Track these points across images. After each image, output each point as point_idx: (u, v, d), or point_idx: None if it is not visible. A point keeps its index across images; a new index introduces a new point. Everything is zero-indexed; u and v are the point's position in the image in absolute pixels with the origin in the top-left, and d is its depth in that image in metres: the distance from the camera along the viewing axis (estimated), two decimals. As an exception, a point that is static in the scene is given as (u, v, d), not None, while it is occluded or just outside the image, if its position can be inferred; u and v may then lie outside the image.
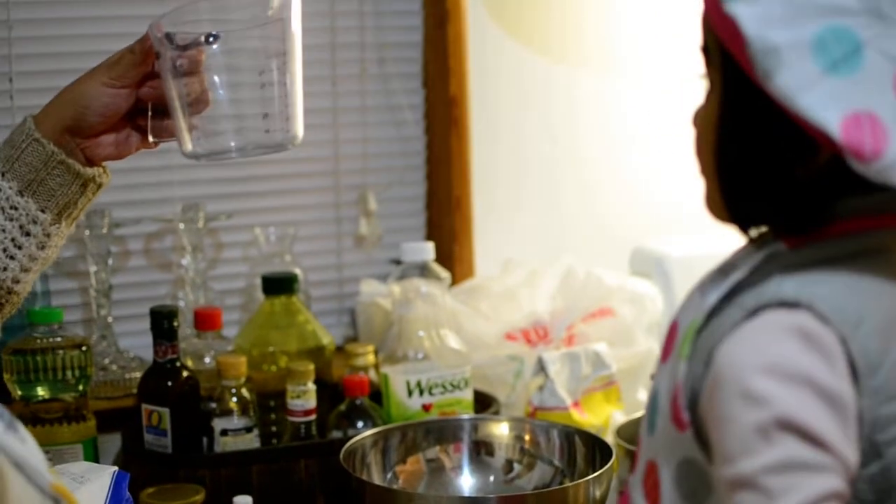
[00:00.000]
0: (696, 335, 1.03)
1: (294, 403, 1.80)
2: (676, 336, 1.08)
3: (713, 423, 0.98)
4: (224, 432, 1.79)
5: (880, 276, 1.03)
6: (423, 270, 1.98)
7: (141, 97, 1.39)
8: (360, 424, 1.85)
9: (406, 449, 1.77)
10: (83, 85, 1.37)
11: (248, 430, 1.80)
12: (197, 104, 1.34)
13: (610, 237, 2.43)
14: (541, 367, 1.95)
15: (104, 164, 1.42)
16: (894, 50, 0.97)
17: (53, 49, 2.08)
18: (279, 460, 1.77)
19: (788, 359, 0.96)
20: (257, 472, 1.75)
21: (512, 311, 2.14)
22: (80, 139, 1.38)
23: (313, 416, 1.81)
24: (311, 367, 1.80)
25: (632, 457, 1.81)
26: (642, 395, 2.13)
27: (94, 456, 1.79)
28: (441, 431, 1.79)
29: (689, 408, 1.02)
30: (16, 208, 1.35)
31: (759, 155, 1.03)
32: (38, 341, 1.76)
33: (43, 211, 1.36)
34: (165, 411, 1.75)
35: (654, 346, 2.15)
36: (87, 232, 1.99)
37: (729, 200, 1.07)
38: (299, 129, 1.37)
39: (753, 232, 1.10)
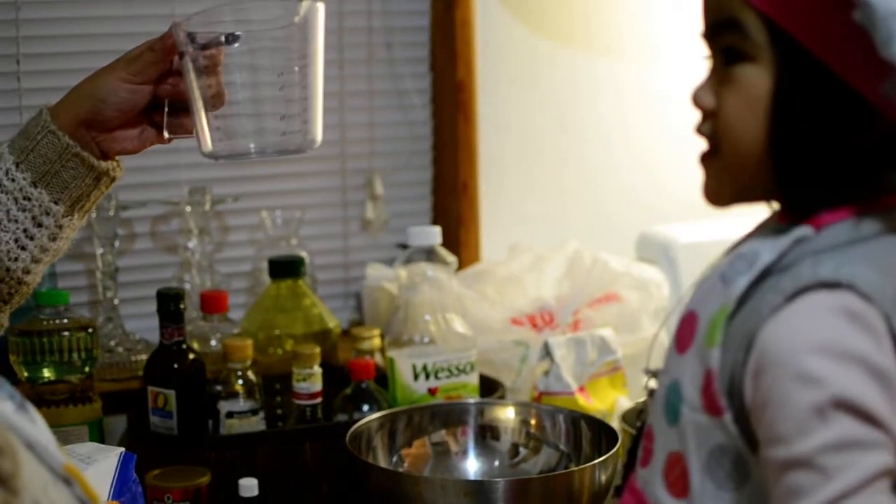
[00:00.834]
0: (728, 322, 1.02)
1: (300, 386, 1.80)
2: (696, 326, 1.07)
3: (760, 406, 0.98)
4: (230, 415, 1.79)
5: None
6: (429, 255, 1.99)
7: (159, 94, 1.39)
8: (365, 408, 1.85)
9: (412, 432, 1.77)
10: (101, 79, 1.37)
11: (254, 412, 1.80)
12: (213, 103, 1.35)
13: (616, 223, 2.43)
14: (546, 352, 1.95)
15: (118, 158, 1.42)
16: None
17: (62, 49, 2.09)
18: (285, 443, 1.77)
19: (839, 338, 0.95)
20: (263, 454, 1.75)
21: (518, 296, 2.14)
22: (95, 133, 1.38)
23: (319, 400, 1.81)
24: (318, 350, 1.80)
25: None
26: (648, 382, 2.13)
27: (99, 438, 1.79)
28: (447, 415, 1.79)
29: (726, 393, 1.01)
30: (29, 199, 1.35)
31: (820, 126, 1.02)
32: (45, 323, 1.76)
33: (56, 203, 1.36)
34: (171, 393, 1.75)
35: (660, 333, 2.15)
36: (93, 214, 1.98)
37: (783, 173, 1.05)
38: (318, 132, 1.38)
39: (770, 209, 1.09)
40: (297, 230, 2.17)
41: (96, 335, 1.80)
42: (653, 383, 1.18)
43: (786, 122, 1.03)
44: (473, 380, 1.90)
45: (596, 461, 1.59)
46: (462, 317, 1.97)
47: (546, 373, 1.94)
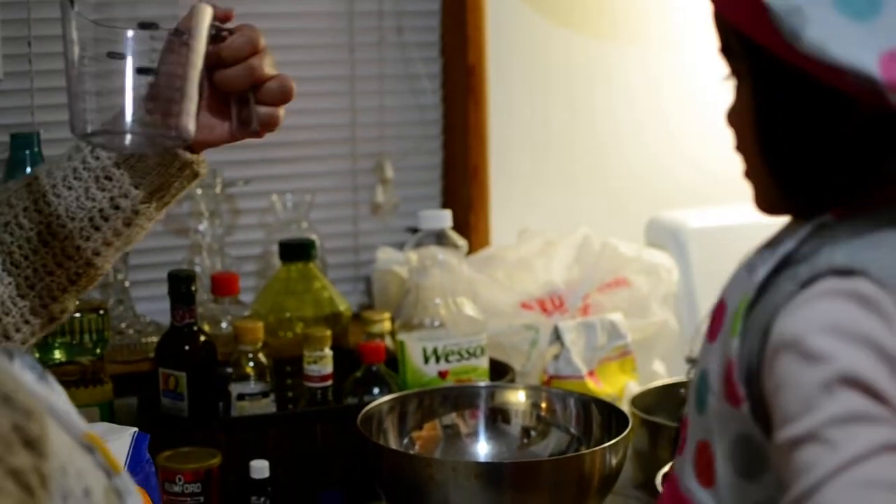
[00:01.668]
0: (748, 311, 1.03)
1: (311, 369, 1.80)
2: (724, 315, 1.08)
3: (774, 391, 0.98)
4: (241, 397, 1.79)
5: None
6: (439, 238, 1.99)
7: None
8: (375, 391, 1.85)
9: (422, 415, 1.77)
10: None
11: (265, 394, 1.80)
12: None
13: (626, 208, 2.43)
14: (557, 336, 1.96)
15: (203, 154, 1.38)
16: None
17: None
18: (295, 425, 1.77)
19: (847, 319, 0.96)
20: (273, 436, 1.75)
21: (528, 280, 2.14)
22: None
23: (330, 382, 1.81)
24: (329, 332, 1.80)
25: (648, 426, 1.82)
26: (657, 366, 2.13)
27: (110, 419, 1.79)
28: (458, 398, 1.80)
29: (745, 382, 1.02)
30: (110, 178, 1.32)
31: (803, 127, 1.04)
32: (56, 304, 1.76)
33: (136, 187, 1.33)
34: (183, 375, 1.76)
35: (669, 318, 2.15)
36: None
37: (782, 183, 1.07)
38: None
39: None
40: (307, 213, 2.17)
41: (107, 317, 1.80)
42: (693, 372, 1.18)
43: (763, 128, 1.06)
44: (483, 363, 1.91)
45: (606, 444, 1.60)
46: (472, 300, 1.97)
47: (556, 357, 1.95)
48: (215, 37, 1.28)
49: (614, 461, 1.61)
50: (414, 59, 2.33)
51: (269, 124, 1.35)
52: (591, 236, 2.20)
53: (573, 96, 2.41)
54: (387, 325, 1.98)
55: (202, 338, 1.79)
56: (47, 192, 1.32)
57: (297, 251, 1.98)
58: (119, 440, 1.38)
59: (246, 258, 2.22)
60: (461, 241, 2.00)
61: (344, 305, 2.01)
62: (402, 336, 1.90)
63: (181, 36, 1.24)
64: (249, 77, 1.31)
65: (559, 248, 2.20)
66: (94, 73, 1.24)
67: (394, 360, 1.91)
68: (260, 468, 1.66)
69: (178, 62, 1.24)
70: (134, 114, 1.23)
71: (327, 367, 1.81)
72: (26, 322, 1.34)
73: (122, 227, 1.34)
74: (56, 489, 0.74)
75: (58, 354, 1.77)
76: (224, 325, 1.95)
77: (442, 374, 1.87)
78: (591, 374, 1.96)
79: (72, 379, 1.77)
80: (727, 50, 1.10)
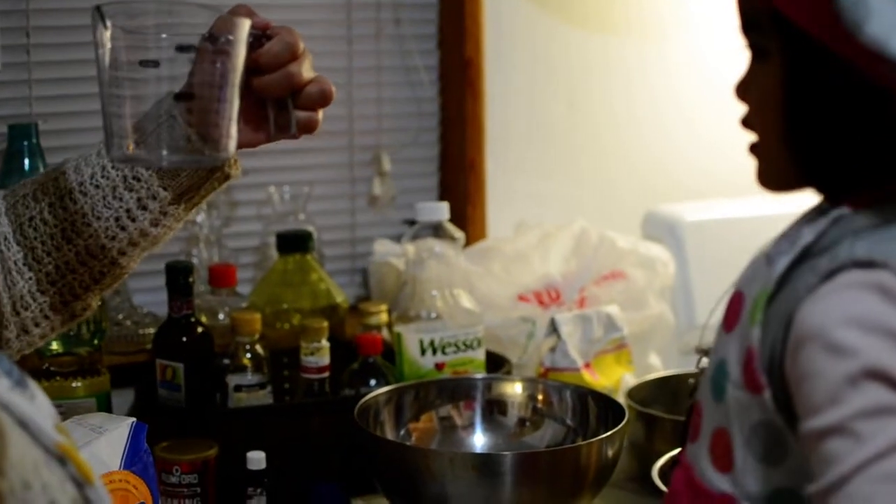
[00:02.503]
0: (769, 302, 1.04)
1: (308, 360, 1.80)
2: (742, 305, 1.09)
3: (797, 381, 1.00)
4: (238, 388, 1.79)
5: None
6: (436, 230, 1.99)
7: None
8: (372, 382, 1.85)
9: (419, 407, 1.77)
10: None
11: (262, 386, 1.80)
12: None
13: (623, 201, 2.44)
14: (553, 329, 1.96)
15: (236, 157, 1.33)
16: None
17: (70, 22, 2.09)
18: (292, 416, 1.78)
19: (871, 312, 0.98)
20: (270, 427, 1.76)
21: (524, 272, 2.14)
22: None
23: (327, 374, 1.81)
24: (325, 324, 1.81)
25: (644, 419, 1.83)
26: (653, 359, 2.14)
27: (107, 410, 1.79)
28: (454, 390, 1.80)
29: (766, 371, 1.03)
30: (138, 179, 1.29)
31: (834, 112, 1.04)
32: (54, 295, 1.77)
33: (165, 189, 1.30)
34: (180, 366, 1.76)
35: (665, 310, 2.16)
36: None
37: (802, 162, 1.08)
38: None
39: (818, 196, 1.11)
40: (304, 205, 2.17)
41: (105, 308, 1.80)
42: (704, 361, 1.19)
43: (793, 110, 1.06)
44: (480, 355, 1.91)
45: (602, 436, 1.60)
46: (469, 293, 1.98)
47: (552, 349, 1.95)
48: (253, 44, 1.23)
49: (610, 453, 1.61)
50: (411, 51, 2.33)
51: (308, 128, 1.32)
52: (587, 229, 2.21)
53: (570, 89, 2.41)
54: (384, 317, 1.98)
55: (199, 329, 1.79)
56: (74, 190, 1.29)
57: (294, 243, 1.99)
58: (117, 430, 1.38)
59: (243, 250, 2.22)
60: (458, 234, 2.00)
61: (341, 297, 2.01)
62: (398, 328, 1.90)
63: (216, 42, 1.19)
64: (288, 83, 1.27)
65: (556, 240, 2.20)
66: (128, 93, 1.20)
67: (390, 352, 1.91)
68: (257, 459, 1.66)
69: (213, 72, 1.20)
70: (172, 134, 1.20)
71: (324, 359, 1.81)
72: (46, 317, 1.33)
73: (150, 228, 1.31)
74: None
75: (55, 345, 1.77)
76: (221, 316, 1.95)
77: (438, 366, 1.88)
78: (587, 366, 1.96)
79: (69, 370, 1.78)
80: (752, 26, 1.09)
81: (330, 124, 2.31)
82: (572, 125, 2.42)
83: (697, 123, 2.46)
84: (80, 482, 0.81)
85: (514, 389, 1.81)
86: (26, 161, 1.83)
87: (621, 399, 1.84)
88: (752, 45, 1.10)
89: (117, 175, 1.29)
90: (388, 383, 1.83)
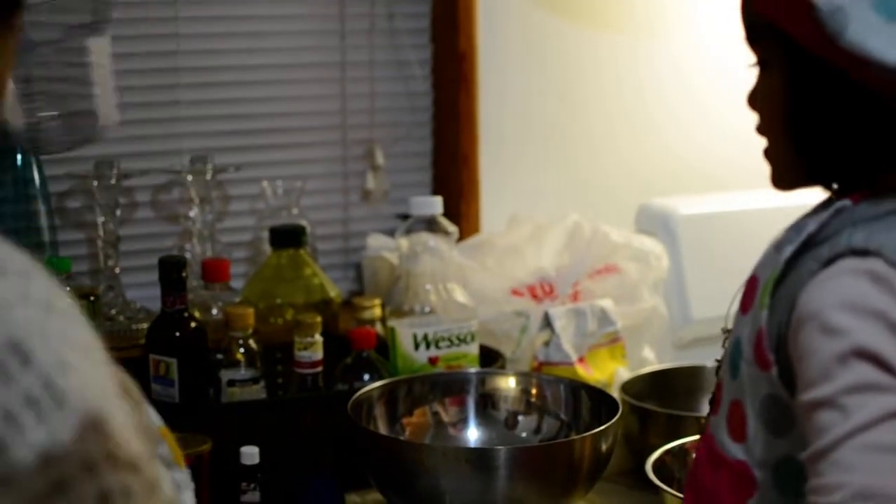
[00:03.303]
0: (776, 286, 1.14)
1: (301, 355, 1.80)
2: (756, 290, 1.19)
3: (798, 359, 1.10)
4: (231, 383, 1.79)
5: None
6: (430, 224, 1.99)
7: None
8: (366, 377, 1.85)
9: (413, 401, 1.77)
10: None
11: (255, 381, 1.80)
12: None
13: (616, 195, 2.43)
14: (547, 323, 1.96)
15: None
16: None
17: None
18: (286, 411, 1.77)
19: (862, 296, 1.08)
20: (263, 422, 1.75)
21: (518, 267, 2.14)
22: None
23: (320, 368, 1.81)
24: (319, 318, 1.80)
25: (638, 413, 1.83)
26: (647, 353, 2.13)
27: (100, 405, 1.79)
28: (448, 384, 1.80)
29: (773, 349, 1.14)
30: None
31: (830, 115, 1.16)
32: (47, 290, 1.76)
33: None
34: (173, 361, 1.75)
35: (659, 304, 2.16)
36: (95, 182, 1.98)
37: (806, 162, 1.19)
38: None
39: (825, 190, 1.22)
40: (297, 200, 2.17)
41: (98, 303, 1.80)
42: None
43: (795, 113, 1.18)
44: (474, 350, 1.91)
45: (596, 430, 1.60)
46: (463, 287, 1.98)
47: (546, 343, 1.95)
48: None
49: (604, 447, 1.61)
50: (405, 45, 2.33)
51: None
52: (581, 223, 2.20)
53: (564, 83, 2.41)
54: (377, 312, 1.98)
55: (193, 324, 1.79)
56: None
57: (287, 238, 1.98)
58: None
59: (236, 244, 2.22)
60: (452, 228, 2.00)
61: (334, 292, 2.01)
62: (392, 322, 1.90)
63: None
64: None
65: (549, 234, 2.20)
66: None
67: (384, 347, 1.91)
68: (250, 454, 1.65)
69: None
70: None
71: (317, 354, 1.81)
72: None
73: None
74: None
75: (48, 341, 1.76)
76: (215, 311, 1.95)
77: (432, 361, 1.88)
78: (581, 360, 1.96)
79: (62, 365, 1.77)
80: (755, 39, 1.21)
81: (323, 119, 2.33)
82: (566, 119, 2.42)
83: (691, 118, 2.45)
84: (170, 464, 0.82)
85: (508, 384, 1.81)
86: (19, 157, 1.83)
87: (615, 393, 1.84)
88: (757, 57, 1.21)
89: None
90: (381, 378, 1.83)
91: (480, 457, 1.58)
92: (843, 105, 1.14)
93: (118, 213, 2.02)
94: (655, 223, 2.31)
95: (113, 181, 2.00)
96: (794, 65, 1.16)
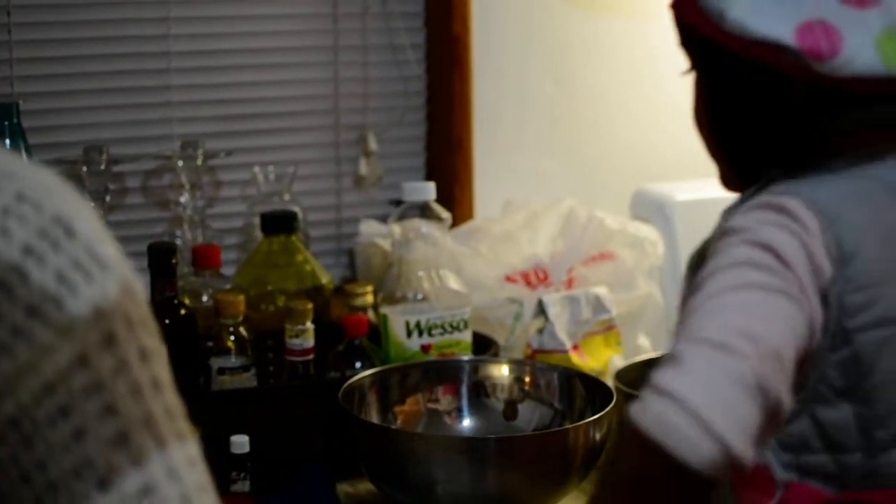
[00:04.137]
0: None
1: (292, 342, 1.79)
2: None
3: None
4: (221, 371, 1.78)
5: (859, 185, 1.18)
6: (423, 210, 1.97)
7: None
8: (358, 365, 1.84)
9: (405, 389, 1.76)
10: None
11: (246, 368, 1.79)
12: None
13: (611, 181, 2.42)
14: (541, 310, 1.95)
15: None
16: None
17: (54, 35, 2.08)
18: (276, 400, 1.76)
19: (769, 219, 1.12)
20: (254, 411, 1.74)
21: (512, 253, 2.13)
22: None
23: (311, 356, 1.80)
24: (310, 306, 1.79)
25: (630, 399, 1.81)
26: (642, 340, 2.12)
27: (90, 393, 1.78)
28: (441, 372, 1.79)
29: None
30: None
31: (745, 107, 1.20)
32: (35, 277, 1.75)
33: None
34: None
35: (654, 291, 2.14)
36: (84, 168, 1.97)
37: (734, 161, 1.25)
38: None
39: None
40: (289, 186, 2.15)
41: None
42: None
43: (716, 113, 1.24)
44: (467, 337, 1.89)
45: (590, 419, 1.59)
46: (456, 274, 1.96)
47: (540, 330, 1.94)
48: None
49: (598, 436, 1.60)
50: (398, 29, 2.31)
51: None
52: (576, 209, 2.19)
53: (559, 68, 2.39)
54: (369, 299, 1.97)
55: (182, 311, 1.77)
56: None
57: (279, 224, 1.97)
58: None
59: (227, 231, 2.20)
60: (445, 214, 1.98)
61: (326, 278, 2.00)
62: (384, 309, 1.89)
63: None
64: None
65: (544, 220, 2.18)
66: None
67: (376, 334, 1.89)
68: (240, 443, 1.64)
69: None
70: None
71: (309, 341, 1.79)
72: None
73: None
74: None
75: (36, 328, 1.75)
76: (205, 298, 1.93)
77: (425, 348, 1.86)
78: (575, 348, 1.95)
79: (51, 353, 1.76)
80: (681, 42, 1.25)
81: (315, 103, 2.31)
82: (560, 104, 2.40)
83: (686, 103, 2.44)
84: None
85: (501, 371, 1.80)
86: (7, 141, 1.81)
87: (609, 381, 1.83)
88: (688, 62, 1.27)
89: None
90: (373, 366, 1.81)
91: (473, 446, 1.57)
92: (755, 95, 1.17)
93: (107, 199, 2.00)
94: (651, 209, 2.30)
95: (102, 167, 1.98)
96: (705, 61, 1.21)
